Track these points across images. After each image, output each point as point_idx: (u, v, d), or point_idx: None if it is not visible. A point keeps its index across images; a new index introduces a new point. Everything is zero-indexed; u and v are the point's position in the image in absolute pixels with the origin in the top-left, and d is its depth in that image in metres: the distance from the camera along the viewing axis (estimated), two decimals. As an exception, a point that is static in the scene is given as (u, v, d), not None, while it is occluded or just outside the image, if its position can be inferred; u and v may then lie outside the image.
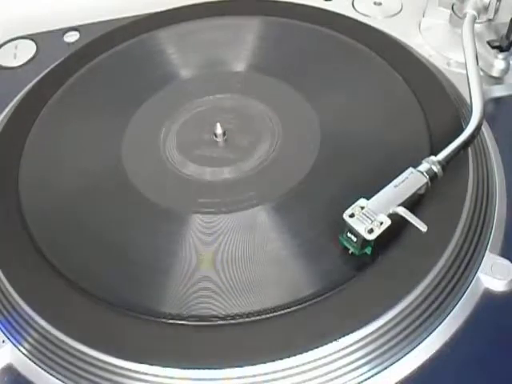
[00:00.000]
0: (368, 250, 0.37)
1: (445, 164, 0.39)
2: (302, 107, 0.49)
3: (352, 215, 0.37)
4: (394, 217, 0.37)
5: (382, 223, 0.36)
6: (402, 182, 0.38)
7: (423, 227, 0.36)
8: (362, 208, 0.37)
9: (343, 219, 0.37)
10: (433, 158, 0.40)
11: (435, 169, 0.39)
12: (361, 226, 0.36)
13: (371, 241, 0.36)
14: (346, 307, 0.36)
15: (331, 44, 0.54)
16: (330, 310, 0.36)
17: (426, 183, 0.39)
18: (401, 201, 0.38)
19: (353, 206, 0.37)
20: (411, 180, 0.39)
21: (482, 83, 0.45)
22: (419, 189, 0.39)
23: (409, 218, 0.37)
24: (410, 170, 0.39)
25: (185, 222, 0.42)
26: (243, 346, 0.35)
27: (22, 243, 0.41)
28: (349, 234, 0.37)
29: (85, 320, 0.37)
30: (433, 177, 0.39)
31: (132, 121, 0.50)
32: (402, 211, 0.37)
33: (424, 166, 0.39)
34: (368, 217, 0.37)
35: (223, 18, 0.58)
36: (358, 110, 0.48)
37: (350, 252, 0.38)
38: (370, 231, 0.36)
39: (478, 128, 0.42)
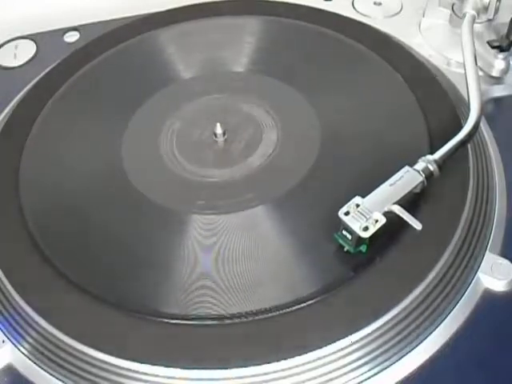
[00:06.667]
0: (363, 248, 0.37)
1: (441, 163, 0.39)
2: (302, 107, 0.49)
3: (347, 213, 0.37)
4: (389, 215, 0.37)
5: (377, 221, 0.36)
6: (398, 180, 0.38)
7: (418, 225, 0.36)
8: (358, 206, 0.37)
9: (338, 217, 0.37)
10: (429, 156, 0.40)
11: (431, 167, 0.39)
12: (356, 224, 0.36)
13: (366, 239, 0.36)
14: (346, 307, 0.36)
15: (331, 44, 0.54)
16: (329, 310, 0.36)
17: (422, 182, 0.39)
18: (396, 199, 0.37)
19: (348, 203, 0.37)
20: (407, 178, 0.39)
21: (480, 83, 0.45)
22: (415, 187, 0.38)
23: (404, 217, 0.37)
24: (406, 168, 0.39)
25: (185, 222, 0.42)
26: (243, 346, 0.35)
27: (21, 243, 0.41)
28: (344, 232, 0.37)
29: (85, 320, 0.37)
30: (429, 175, 0.39)
31: (132, 121, 0.50)
32: (398, 209, 0.37)
33: (420, 165, 0.39)
34: (363, 215, 0.37)
35: (223, 17, 0.58)
36: (358, 109, 0.48)
37: (345, 250, 0.38)
38: (365, 229, 0.36)
39: (476, 127, 0.42)
